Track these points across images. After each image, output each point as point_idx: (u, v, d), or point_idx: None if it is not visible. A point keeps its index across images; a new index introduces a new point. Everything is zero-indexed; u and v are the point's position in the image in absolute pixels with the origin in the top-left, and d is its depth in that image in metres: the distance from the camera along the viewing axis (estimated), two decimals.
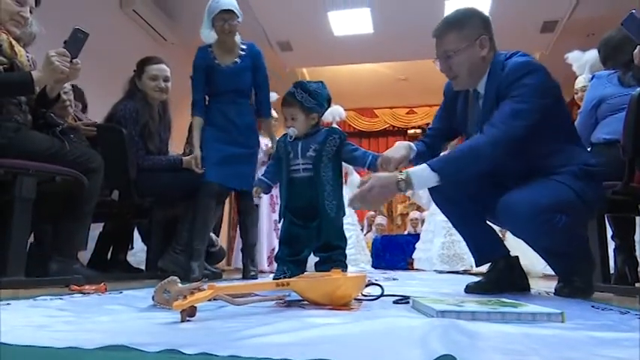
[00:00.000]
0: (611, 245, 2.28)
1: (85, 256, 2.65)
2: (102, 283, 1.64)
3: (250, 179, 2.80)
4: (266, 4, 4.99)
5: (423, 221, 6.15)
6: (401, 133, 8.82)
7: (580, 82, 2.99)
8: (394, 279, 2.92)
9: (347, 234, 2.01)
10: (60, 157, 2.00)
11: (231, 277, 3.20)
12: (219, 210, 2.83)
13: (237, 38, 2.79)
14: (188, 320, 0.91)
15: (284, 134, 1.99)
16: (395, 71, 7.26)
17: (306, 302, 1.21)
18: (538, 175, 1.61)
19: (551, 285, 1.88)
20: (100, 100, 3.15)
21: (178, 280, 1.04)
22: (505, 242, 1.99)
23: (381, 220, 7.70)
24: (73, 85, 2.71)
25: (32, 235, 2.36)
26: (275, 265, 2.06)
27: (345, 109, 5.19)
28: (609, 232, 2.25)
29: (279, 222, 2.04)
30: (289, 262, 1.92)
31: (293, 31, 5.58)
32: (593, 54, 2.89)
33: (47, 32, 2.41)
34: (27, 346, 0.65)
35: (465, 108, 1.82)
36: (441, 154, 1.84)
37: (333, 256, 1.89)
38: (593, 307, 1.30)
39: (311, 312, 1.07)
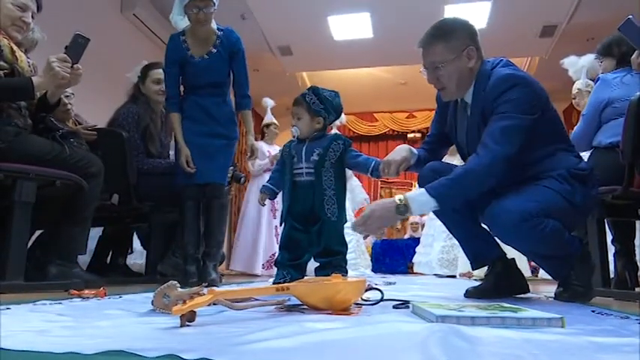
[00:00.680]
0: (611, 250, 2.27)
1: (84, 260, 2.64)
2: (101, 288, 1.64)
3: (222, 172, 2.57)
4: (266, 8, 5.00)
5: (423, 225, 6.14)
6: (401, 137, 8.82)
7: (576, 87, 2.97)
8: (392, 283, 2.91)
9: (347, 238, 2.01)
10: (60, 161, 2.00)
11: (231, 281, 3.19)
12: (222, 208, 2.62)
13: (213, 24, 2.49)
14: (187, 325, 0.91)
15: (290, 140, 2.01)
16: (394, 75, 7.27)
17: (305, 307, 1.20)
18: (527, 181, 1.61)
19: (552, 289, 1.88)
20: (101, 104, 3.17)
21: (178, 285, 1.04)
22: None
23: None
24: None
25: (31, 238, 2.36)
26: (274, 269, 2.06)
27: (345, 114, 5.18)
28: (609, 237, 2.25)
29: (280, 227, 2.04)
30: (289, 266, 1.92)
31: (293, 36, 5.59)
32: (589, 58, 2.88)
33: (48, 37, 2.42)
34: (26, 351, 0.65)
35: (455, 116, 1.83)
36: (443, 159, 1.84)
37: (334, 262, 1.89)
38: (593, 312, 1.30)
39: (311, 317, 1.07)
